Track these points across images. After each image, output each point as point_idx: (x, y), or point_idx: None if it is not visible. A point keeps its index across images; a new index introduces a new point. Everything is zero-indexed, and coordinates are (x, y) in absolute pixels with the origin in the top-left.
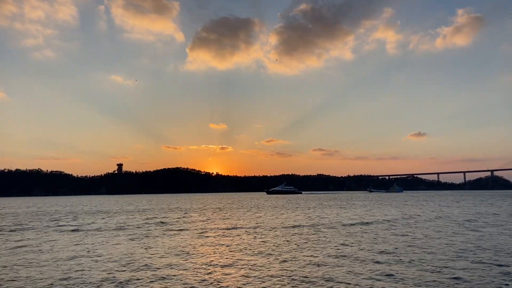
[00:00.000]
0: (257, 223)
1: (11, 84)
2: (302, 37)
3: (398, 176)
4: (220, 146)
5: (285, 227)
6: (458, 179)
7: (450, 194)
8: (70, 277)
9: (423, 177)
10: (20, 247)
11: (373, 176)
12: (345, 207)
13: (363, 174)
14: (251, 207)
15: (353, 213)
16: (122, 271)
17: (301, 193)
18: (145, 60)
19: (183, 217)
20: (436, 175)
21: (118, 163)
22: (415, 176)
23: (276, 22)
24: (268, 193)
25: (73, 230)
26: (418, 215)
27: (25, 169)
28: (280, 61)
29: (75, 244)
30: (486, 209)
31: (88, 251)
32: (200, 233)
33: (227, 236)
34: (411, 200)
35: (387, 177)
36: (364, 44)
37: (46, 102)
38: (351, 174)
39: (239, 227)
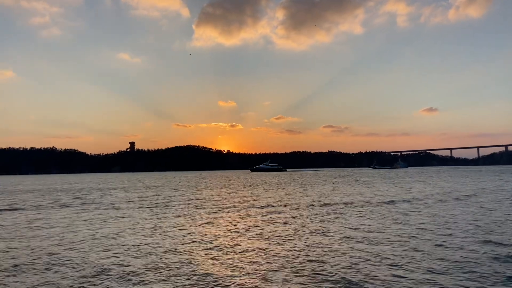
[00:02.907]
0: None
1: (20, 63)
2: (310, 11)
3: (410, 152)
4: (229, 124)
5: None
6: (471, 154)
7: (461, 169)
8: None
9: (436, 152)
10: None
11: (385, 152)
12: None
13: (374, 150)
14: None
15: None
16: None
17: (286, 170)
18: (151, 37)
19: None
20: (449, 150)
21: (130, 141)
22: (427, 152)
23: None
24: (252, 170)
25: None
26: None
27: (39, 148)
28: (288, 37)
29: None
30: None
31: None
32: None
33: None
34: (415, 176)
35: (399, 153)
36: (374, 17)
37: (54, 81)
38: (362, 151)
39: (255, 207)
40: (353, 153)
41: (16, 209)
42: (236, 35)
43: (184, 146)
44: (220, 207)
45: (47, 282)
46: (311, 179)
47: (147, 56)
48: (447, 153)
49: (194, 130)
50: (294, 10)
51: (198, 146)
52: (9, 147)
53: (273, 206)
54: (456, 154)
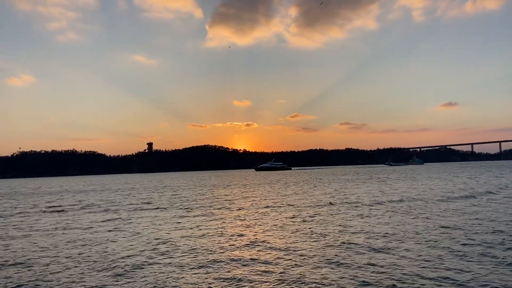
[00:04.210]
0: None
1: (39, 67)
2: (323, 8)
3: (430, 148)
4: (245, 123)
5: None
6: (493, 149)
7: (479, 165)
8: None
9: (456, 148)
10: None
11: (403, 148)
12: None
13: (392, 147)
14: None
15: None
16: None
17: (290, 169)
18: (166, 38)
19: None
20: (470, 145)
21: (148, 142)
22: (447, 147)
23: None
24: (257, 169)
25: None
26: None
27: (60, 150)
28: (301, 34)
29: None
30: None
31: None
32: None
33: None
34: (429, 172)
35: (418, 149)
36: (388, 12)
37: (73, 84)
38: (380, 148)
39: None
40: (370, 150)
41: (107, 211)
42: (249, 34)
43: (201, 146)
44: (245, 207)
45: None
46: (314, 177)
47: (162, 58)
48: (468, 148)
49: (210, 130)
50: (307, 7)
51: (215, 145)
52: (31, 150)
53: (299, 205)
54: (477, 149)
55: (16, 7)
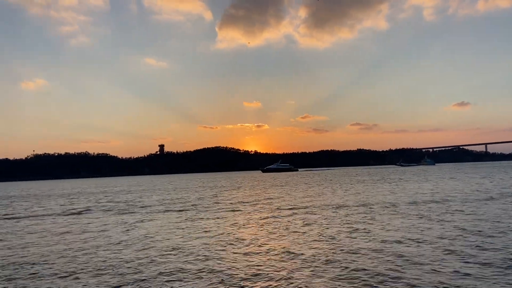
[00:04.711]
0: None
1: (51, 71)
2: (332, 8)
3: (442, 148)
4: (255, 124)
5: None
6: (508, 149)
7: (493, 165)
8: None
9: (470, 148)
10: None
11: (415, 148)
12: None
13: (404, 147)
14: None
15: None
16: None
17: (297, 170)
18: (176, 41)
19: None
20: (484, 145)
21: (159, 144)
22: (460, 147)
23: None
24: (264, 171)
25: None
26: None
27: (73, 152)
28: (311, 35)
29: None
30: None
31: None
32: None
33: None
34: (441, 173)
35: (430, 150)
36: (399, 11)
37: (85, 87)
38: (392, 148)
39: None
40: (382, 151)
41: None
42: (259, 36)
43: (212, 147)
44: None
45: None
46: (323, 178)
47: (172, 60)
48: (481, 148)
49: (221, 131)
50: (316, 8)
51: (226, 147)
52: (45, 153)
53: (309, 207)
54: (492, 149)
55: (29, 12)
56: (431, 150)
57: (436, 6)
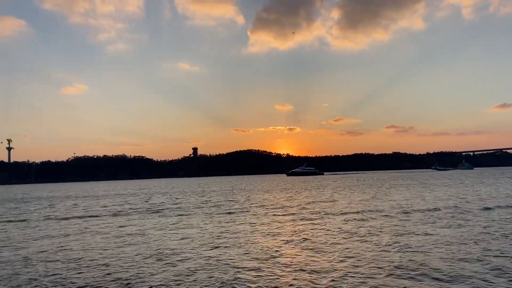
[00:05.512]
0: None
1: (91, 76)
2: (366, 9)
3: (484, 152)
4: (287, 127)
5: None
6: None
7: None
8: None
9: None
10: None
11: (455, 152)
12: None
13: (443, 150)
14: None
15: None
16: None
17: (322, 174)
18: (209, 45)
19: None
20: None
21: (193, 147)
22: (503, 150)
23: None
24: (288, 175)
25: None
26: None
27: (111, 155)
28: (344, 36)
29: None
30: None
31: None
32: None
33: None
34: (481, 178)
35: (471, 153)
36: (436, 10)
37: (122, 92)
38: (430, 151)
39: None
40: (419, 154)
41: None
42: (291, 39)
43: (245, 150)
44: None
45: None
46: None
47: (205, 64)
48: None
49: (253, 134)
50: (350, 9)
51: (258, 150)
52: (85, 156)
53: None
54: None
55: (70, 20)
56: (471, 153)
57: (475, 4)
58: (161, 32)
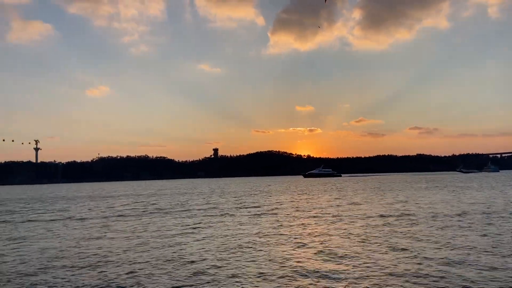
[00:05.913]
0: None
1: (114, 78)
2: (389, 9)
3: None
4: (308, 129)
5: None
6: None
7: None
8: None
9: None
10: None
11: (482, 154)
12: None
13: (470, 152)
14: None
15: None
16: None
17: (340, 176)
18: (229, 47)
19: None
20: None
21: (214, 148)
22: None
23: None
24: (305, 176)
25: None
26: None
27: (134, 156)
28: (366, 37)
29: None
30: None
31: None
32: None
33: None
34: (500, 181)
35: (498, 155)
36: (461, 10)
37: (144, 94)
38: (456, 153)
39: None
40: (445, 156)
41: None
42: (312, 39)
43: (265, 151)
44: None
45: None
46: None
47: (225, 66)
48: None
49: (273, 135)
50: (371, 8)
51: (279, 151)
52: (108, 156)
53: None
54: None
55: (94, 23)
56: (499, 155)
57: (502, 3)
58: (182, 35)
